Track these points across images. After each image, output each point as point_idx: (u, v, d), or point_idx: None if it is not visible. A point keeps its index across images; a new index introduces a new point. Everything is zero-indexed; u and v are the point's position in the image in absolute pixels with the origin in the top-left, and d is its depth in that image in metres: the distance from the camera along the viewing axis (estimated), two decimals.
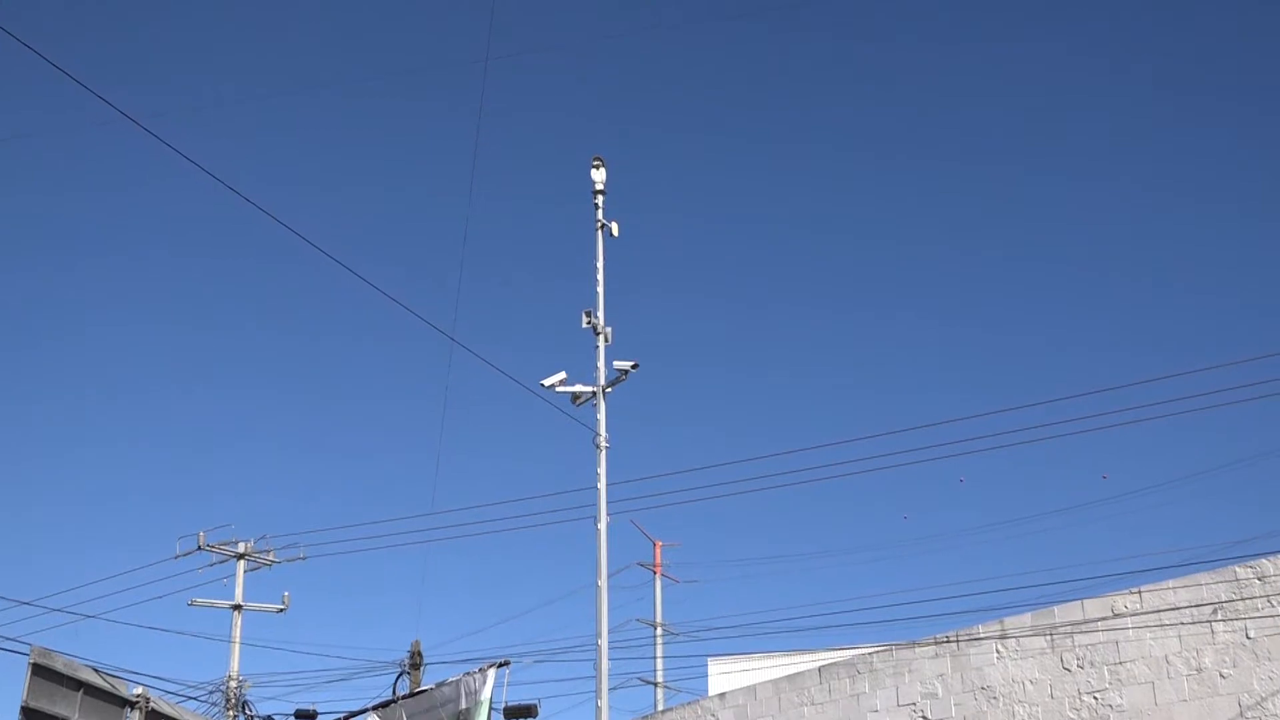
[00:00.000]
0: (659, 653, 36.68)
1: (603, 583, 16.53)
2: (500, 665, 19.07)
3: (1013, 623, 17.82)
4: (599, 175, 18.16)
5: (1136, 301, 62.93)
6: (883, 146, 68.07)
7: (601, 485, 16.91)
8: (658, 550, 38.88)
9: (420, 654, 26.26)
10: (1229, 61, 63.65)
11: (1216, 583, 16.14)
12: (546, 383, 17.17)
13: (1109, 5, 64.13)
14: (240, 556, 31.01)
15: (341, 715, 20.66)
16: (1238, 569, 16.08)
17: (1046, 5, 64.76)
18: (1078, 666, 17.00)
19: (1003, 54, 65.96)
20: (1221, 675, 15.86)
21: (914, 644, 18.77)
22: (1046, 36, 64.53)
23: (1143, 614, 16.59)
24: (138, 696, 19.92)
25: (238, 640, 30.09)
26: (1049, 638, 17.34)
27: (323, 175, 70.18)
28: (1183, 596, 16.41)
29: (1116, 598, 16.95)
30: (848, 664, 19.57)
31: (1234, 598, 15.92)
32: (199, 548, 30.69)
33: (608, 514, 16.85)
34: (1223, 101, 62.90)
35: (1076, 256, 64.75)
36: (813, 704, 19.65)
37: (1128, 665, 16.58)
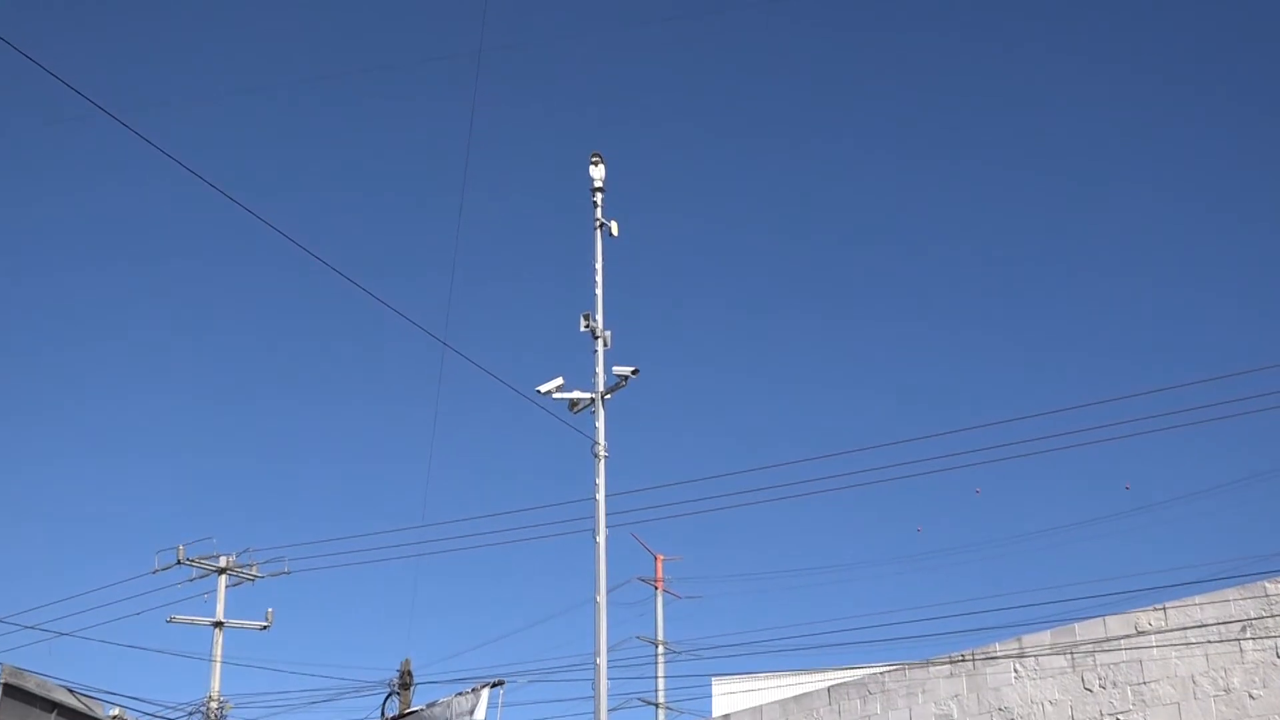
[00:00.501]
0: (660, 672, 36.63)
1: (601, 598, 16.50)
2: (494, 685, 19.04)
3: (1031, 641, 17.78)
4: (598, 172, 18.12)
5: (1161, 306, 63.00)
6: (892, 145, 68.16)
7: (600, 496, 16.87)
8: (659, 564, 38.85)
9: (410, 673, 26.22)
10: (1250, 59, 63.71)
11: (1245, 599, 16.11)
12: (543, 389, 17.13)
13: (1117, 4, 64.32)
14: (221, 571, 30.98)
15: None
16: (1268, 585, 16.05)
17: (1059, 3, 64.93)
18: (1100, 687, 16.96)
19: (1019, 50, 66.04)
20: (1251, 696, 15.82)
21: (928, 663, 18.74)
22: (1061, 34, 64.62)
23: (1168, 632, 16.57)
24: (114, 717, 19.90)
25: (219, 659, 30.05)
26: (1069, 656, 17.31)
27: (309, 173, 70.27)
28: (1210, 613, 16.37)
29: (1140, 615, 16.92)
30: (858, 684, 19.53)
31: (1264, 614, 15.89)
32: (178, 562, 30.65)
33: (606, 526, 16.81)
34: (1246, 102, 63.01)
35: (1097, 259, 64.83)
36: None
37: (1152, 685, 16.54)
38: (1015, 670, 17.80)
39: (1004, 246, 65.96)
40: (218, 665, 29.95)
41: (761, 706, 20.79)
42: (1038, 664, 17.55)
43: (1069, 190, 64.45)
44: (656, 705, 35.54)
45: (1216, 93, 64.04)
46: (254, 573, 31.25)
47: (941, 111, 67.15)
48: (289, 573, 31.17)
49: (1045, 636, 17.67)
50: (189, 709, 27.57)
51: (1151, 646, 16.66)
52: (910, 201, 66.50)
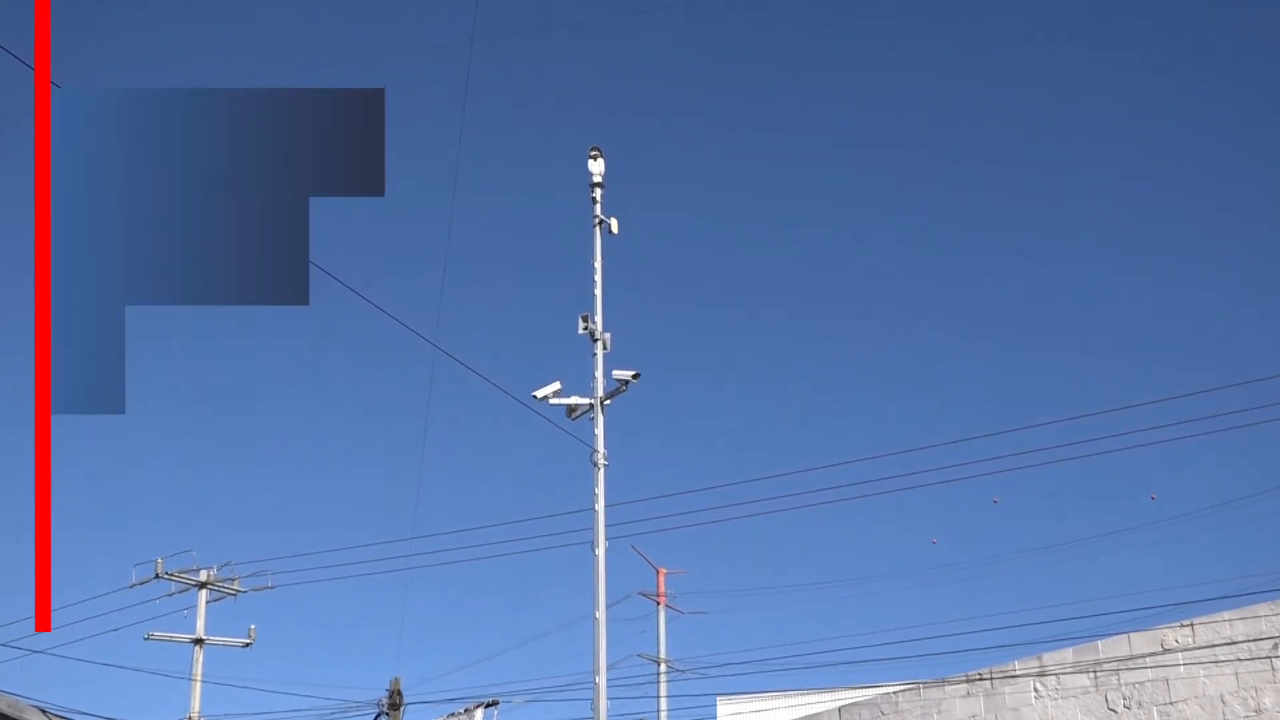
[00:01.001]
0: (663, 691, 36.62)
1: (601, 614, 16.49)
2: (488, 705, 19.07)
3: (1052, 659, 17.77)
4: (597, 167, 18.14)
5: (1187, 309, 62.96)
6: (906, 141, 68.14)
7: (599, 507, 16.88)
8: (661, 578, 38.86)
9: (400, 693, 26.24)
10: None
11: (1277, 615, 16.09)
12: (539, 394, 17.14)
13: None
14: (202, 585, 30.99)
15: None
16: None
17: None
18: (1124, 707, 16.94)
19: (1040, 47, 66.13)
20: None
21: (943, 682, 18.73)
22: (1073, 34, 64.73)
23: (1196, 649, 16.55)
24: None
25: (199, 678, 30.06)
26: (1093, 675, 17.29)
27: None
28: (1240, 630, 16.35)
29: (1166, 631, 16.91)
30: (870, 704, 19.51)
31: None
32: (156, 576, 30.66)
33: (606, 538, 16.82)
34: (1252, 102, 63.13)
35: (1123, 263, 64.82)
36: None
37: (1179, 706, 16.52)
38: (1035, 690, 17.78)
39: (1023, 248, 66.00)
40: (198, 684, 29.95)
41: None
42: (1059, 683, 17.53)
43: (1093, 193, 64.54)
44: None
45: (1234, 90, 64.24)
46: (236, 588, 31.25)
47: (954, 106, 67.25)
48: (272, 587, 31.19)
49: (1067, 654, 17.66)
50: None
51: (1179, 665, 16.64)
52: (929, 200, 66.53)
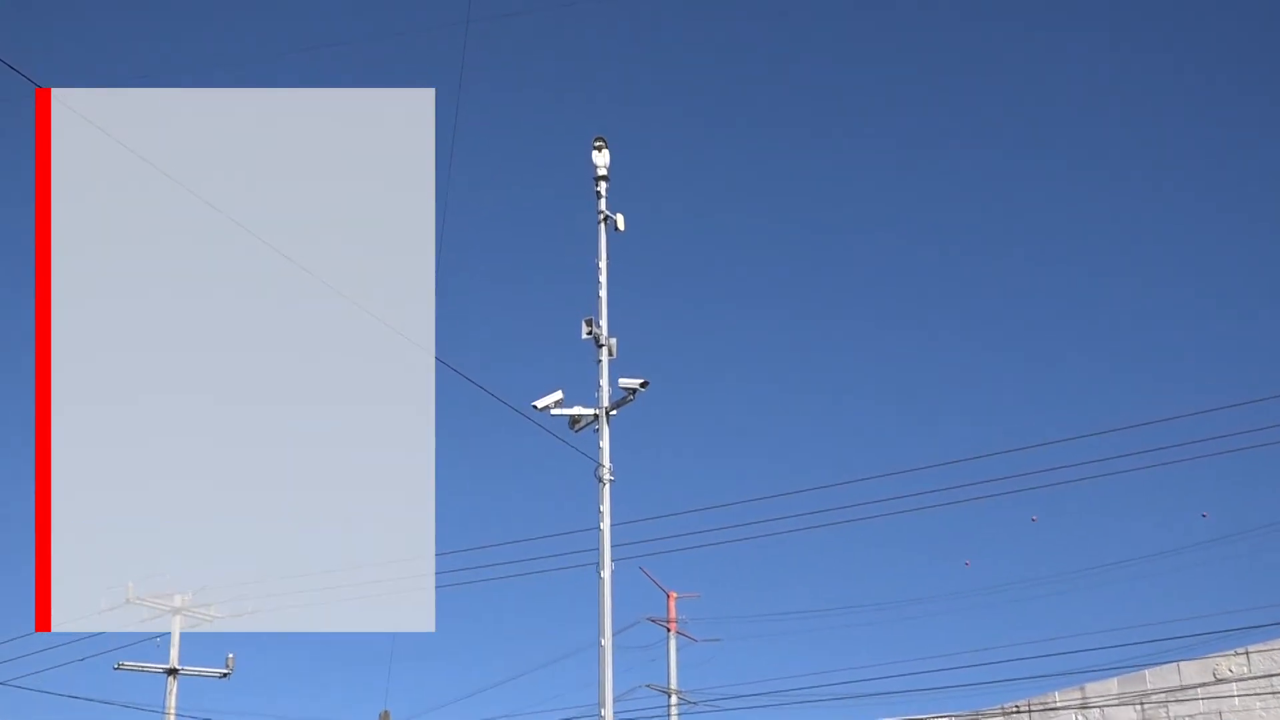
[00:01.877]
0: None
1: (606, 641, 16.46)
2: None
3: (1096, 689, 17.74)
4: (601, 159, 18.15)
5: (1232, 318, 62.92)
6: (911, 143, 68.11)
7: (605, 525, 16.85)
8: (671, 603, 38.85)
9: None
10: None
11: None
12: (540, 404, 17.13)
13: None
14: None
15: None
16: None
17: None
18: None
19: (1040, 48, 66.23)
20: None
21: (979, 714, 18.70)
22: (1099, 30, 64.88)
23: (1250, 679, 16.52)
24: None
25: (173, 711, 30.07)
26: (1139, 707, 17.26)
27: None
28: None
29: (1219, 660, 16.87)
30: None
31: None
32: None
33: (612, 560, 16.79)
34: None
35: (1162, 272, 64.79)
36: None
37: None
38: None
39: (1063, 252, 65.98)
40: (172, 718, 29.96)
41: None
42: (1103, 715, 17.51)
43: (1094, 193, 64.63)
44: None
45: (1234, 90, 64.44)
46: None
47: (957, 106, 67.40)
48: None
49: (1112, 684, 17.63)
50: None
51: (1233, 695, 16.61)
52: (962, 206, 66.55)
